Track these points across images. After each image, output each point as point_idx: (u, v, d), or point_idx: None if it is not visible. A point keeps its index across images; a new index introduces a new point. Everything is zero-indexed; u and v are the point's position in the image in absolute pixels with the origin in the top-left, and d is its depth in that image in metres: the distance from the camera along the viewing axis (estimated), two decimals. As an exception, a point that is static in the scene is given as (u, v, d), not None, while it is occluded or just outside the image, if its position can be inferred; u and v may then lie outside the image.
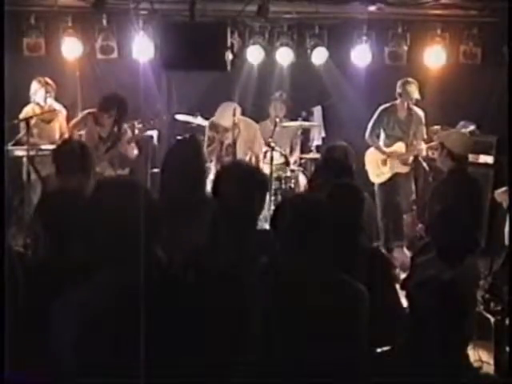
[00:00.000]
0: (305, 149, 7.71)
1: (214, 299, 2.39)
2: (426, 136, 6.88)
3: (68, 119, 6.90)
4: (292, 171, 7.08)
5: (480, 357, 4.07)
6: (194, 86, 7.60)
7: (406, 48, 7.55)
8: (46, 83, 6.76)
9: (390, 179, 6.88)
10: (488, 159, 7.05)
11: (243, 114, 6.87)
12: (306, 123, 7.67)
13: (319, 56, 7.44)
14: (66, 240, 2.65)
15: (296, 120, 7.48)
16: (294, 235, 2.50)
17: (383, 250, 5.62)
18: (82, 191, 3.23)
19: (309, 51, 7.47)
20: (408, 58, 7.58)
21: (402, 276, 4.71)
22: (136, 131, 6.84)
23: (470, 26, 7.45)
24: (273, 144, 6.70)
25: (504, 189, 5.17)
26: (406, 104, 6.78)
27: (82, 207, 2.36)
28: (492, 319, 4.03)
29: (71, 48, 7.26)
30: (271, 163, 6.65)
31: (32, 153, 6.22)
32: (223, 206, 2.93)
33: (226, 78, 7.15)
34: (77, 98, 7.43)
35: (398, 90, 6.76)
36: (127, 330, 1.97)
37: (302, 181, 7.11)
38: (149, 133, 7.12)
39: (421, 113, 6.85)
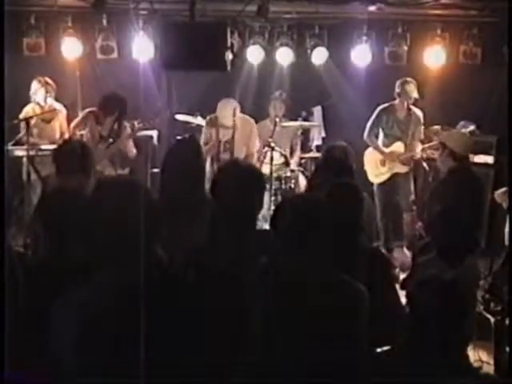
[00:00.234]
0: (305, 149, 7.70)
1: (214, 299, 2.40)
2: (423, 136, 6.88)
3: (68, 119, 6.90)
4: (292, 171, 7.08)
5: (480, 357, 4.07)
6: (194, 86, 7.60)
7: (405, 48, 7.55)
8: (46, 83, 6.76)
9: (389, 179, 6.88)
10: (488, 159, 7.05)
11: (243, 113, 6.86)
12: (306, 123, 7.68)
13: (319, 56, 7.44)
14: (66, 240, 2.66)
15: (296, 120, 7.48)
16: (294, 235, 2.50)
17: (383, 250, 5.62)
18: (82, 191, 3.23)
19: (309, 51, 7.47)
20: (408, 58, 7.58)
21: (402, 276, 4.72)
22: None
23: (470, 25, 7.45)
24: (273, 144, 6.70)
25: (504, 189, 5.17)
26: (405, 104, 6.78)
27: (82, 207, 2.36)
28: (492, 319, 4.04)
29: (71, 48, 7.26)
30: (271, 163, 6.64)
31: (32, 153, 6.22)
32: (221, 205, 2.94)
33: (226, 77, 7.14)
34: (77, 97, 7.43)
35: (397, 89, 6.76)
36: (127, 329, 1.98)
37: (302, 181, 7.11)
38: (149, 133, 7.12)
39: (419, 113, 6.85)
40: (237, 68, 7.08)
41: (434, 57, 7.50)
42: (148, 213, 2.02)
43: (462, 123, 7.26)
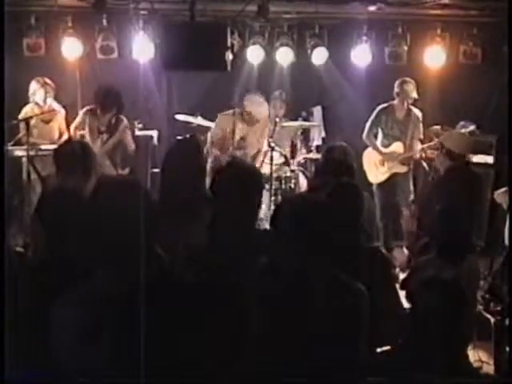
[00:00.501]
0: (305, 149, 7.70)
1: (214, 299, 2.39)
2: (422, 136, 6.88)
3: (67, 119, 6.91)
4: (292, 171, 7.07)
5: (480, 357, 4.07)
6: (194, 86, 7.61)
7: (405, 48, 7.55)
8: (45, 83, 6.76)
9: (388, 179, 6.87)
10: (488, 159, 7.05)
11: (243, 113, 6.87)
12: (306, 123, 7.68)
13: (319, 56, 7.44)
14: (66, 240, 2.66)
15: (296, 120, 7.48)
16: (294, 235, 2.50)
17: (383, 250, 5.61)
18: (82, 191, 3.23)
19: (309, 51, 7.46)
20: (408, 58, 7.58)
21: (402, 276, 4.72)
22: (136, 131, 6.85)
23: (470, 25, 7.45)
24: (273, 144, 6.70)
25: (504, 189, 5.17)
26: (404, 104, 6.77)
27: (82, 207, 2.36)
28: (492, 319, 4.04)
29: (71, 48, 7.26)
30: (271, 163, 6.65)
31: (32, 153, 6.21)
32: (221, 205, 2.94)
33: (226, 77, 7.14)
34: (76, 98, 7.43)
35: (396, 89, 6.75)
36: (127, 329, 1.97)
37: (302, 181, 7.11)
38: (149, 132, 7.12)
39: (419, 113, 6.84)
40: (237, 68, 7.09)
41: (434, 57, 7.50)
42: (147, 212, 2.02)
43: (461, 123, 7.25)
